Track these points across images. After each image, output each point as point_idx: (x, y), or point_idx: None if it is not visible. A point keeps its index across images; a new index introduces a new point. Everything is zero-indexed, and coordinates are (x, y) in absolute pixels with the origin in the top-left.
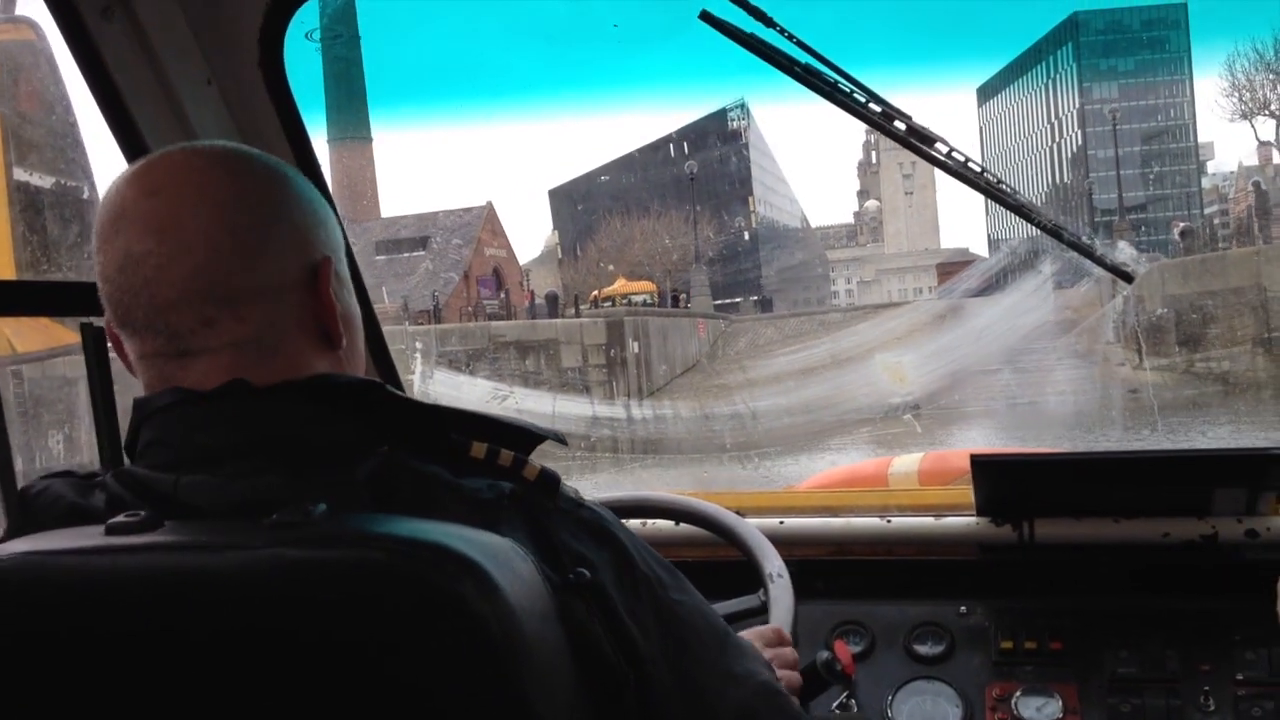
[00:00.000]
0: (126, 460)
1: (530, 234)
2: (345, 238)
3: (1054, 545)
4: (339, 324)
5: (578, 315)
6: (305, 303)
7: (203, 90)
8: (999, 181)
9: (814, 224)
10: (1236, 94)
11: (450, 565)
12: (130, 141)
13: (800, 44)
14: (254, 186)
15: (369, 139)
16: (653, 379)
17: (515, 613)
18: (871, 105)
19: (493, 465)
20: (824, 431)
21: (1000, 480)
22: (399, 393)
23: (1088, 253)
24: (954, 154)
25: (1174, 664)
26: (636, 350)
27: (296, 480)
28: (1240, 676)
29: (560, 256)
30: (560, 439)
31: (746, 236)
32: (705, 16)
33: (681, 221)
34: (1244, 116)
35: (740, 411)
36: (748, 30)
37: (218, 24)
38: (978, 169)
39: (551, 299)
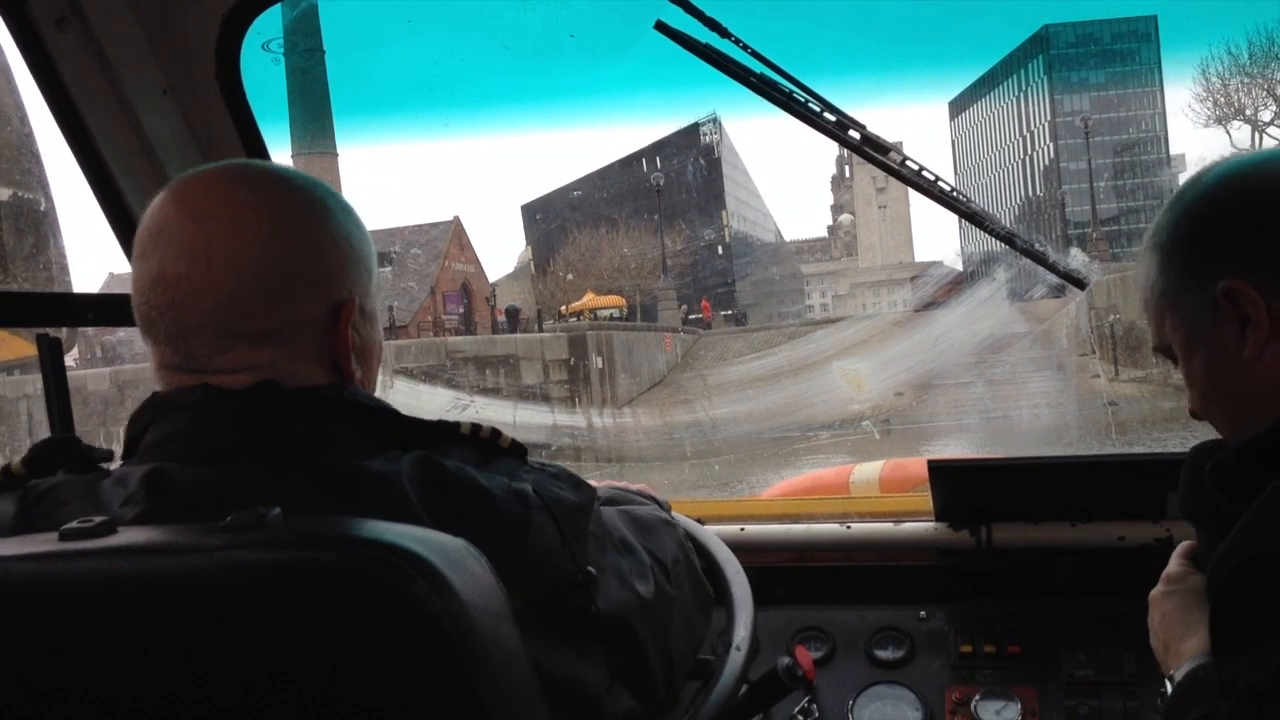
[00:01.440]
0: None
1: (504, 250)
2: (376, 269)
3: (1011, 549)
4: (350, 360)
5: (540, 330)
6: (323, 339)
7: (158, 100)
8: (953, 190)
9: (788, 238)
10: (1211, 99)
11: (403, 564)
12: (86, 152)
13: (755, 54)
14: (292, 226)
15: (334, 153)
16: (617, 395)
17: (469, 611)
18: (826, 115)
19: (476, 439)
20: (783, 439)
21: (957, 486)
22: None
23: (1040, 259)
24: (908, 163)
25: (1131, 666)
26: (600, 365)
27: (336, 476)
28: None
29: (533, 272)
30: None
31: (720, 250)
32: (660, 27)
33: (652, 235)
34: (1218, 122)
35: (700, 419)
36: (703, 40)
37: (173, 34)
38: (931, 177)
39: (512, 313)
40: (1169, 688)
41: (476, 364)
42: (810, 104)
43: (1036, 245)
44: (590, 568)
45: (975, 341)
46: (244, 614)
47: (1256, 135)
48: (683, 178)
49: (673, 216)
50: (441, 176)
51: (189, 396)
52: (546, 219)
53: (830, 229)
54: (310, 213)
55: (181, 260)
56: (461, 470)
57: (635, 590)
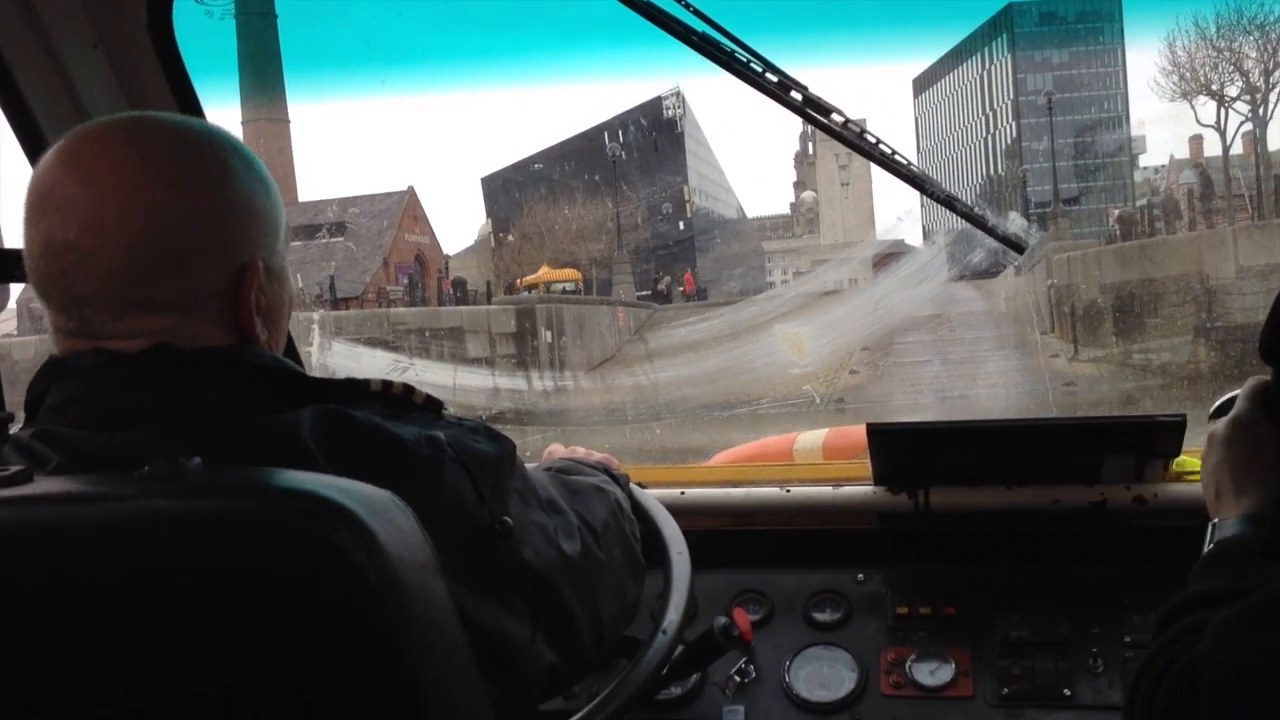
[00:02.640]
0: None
1: (465, 223)
2: (284, 221)
3: (949, 513)
4: (255, 325)
5: (489, 302)
6: (225, 303)
7: (89, 53)
8: (893, 153)
9: (750, 214)
10: (1177, 72)
11: (326, 515)
12: (13, 106)
13: (697, 13)
14: (188, 191)
15: (286, 120)
16: (568, 370)
17: (393, 563)
18: (769, 75)
19: (389, 395)
20: (724, 403)
21: (896, 449)
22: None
23: (980, 223)
24: (849, 125)
25: (1064, 628)
26: (549, 340)
27: (233, 435)
28: (1128, 639)
29: (493, 245)
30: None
31: (681, 226)
32: None
33: (616, 208)
34: (1184, 96)
35: (641, 383)
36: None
37: None
38: (873, 139)
39: (459, 285)
40: (1209, 535)
41: (420, 336)
42: (752, 64)
43: (976, 210)
44: (507, 518)
45: (914, 307)
46: (162, 564)
47: (1222, 111)
48: (644, 151)
49: (632, 190)
50: (400, 147)
51: (84, 361)
52: (507, 191)
53: (793, 206)
54: (208, 174)
55: (71, 227)
56: (369, 418)
57: (560, 548)
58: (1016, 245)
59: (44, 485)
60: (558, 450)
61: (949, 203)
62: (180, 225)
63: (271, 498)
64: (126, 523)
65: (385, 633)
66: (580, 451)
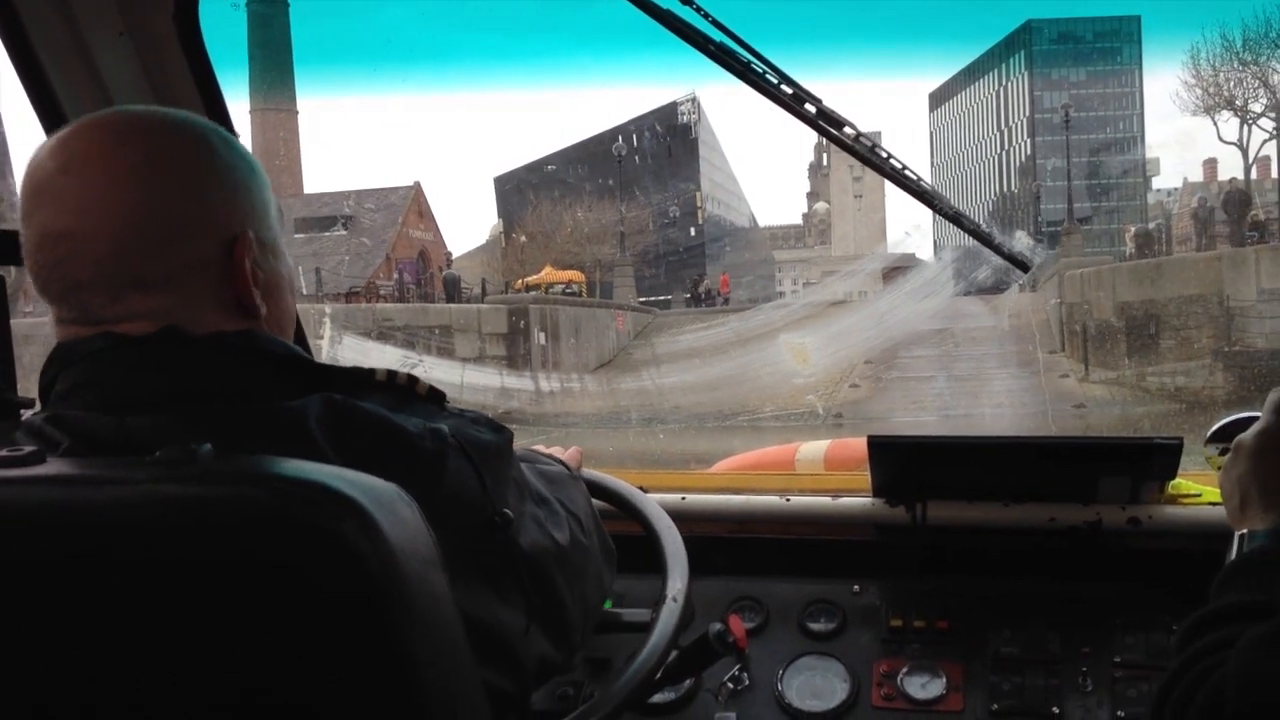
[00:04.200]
0: (38, 405)
1: (478, 222)
2: (273, 199)
3: (945, 527)
4: (254, 296)
5: (483, 300)
6: (222, 277)
7: (115, 41)
8: (904, 168)
9: (762, 223)
10: (1200, 86)
11: (331, 505)
12: (40, 93)
13: (715, 23)
14: (171, 165)
15: (294, 110)
16: (560, 374)
17: (396, 555)
18: (783, 87)
19: (393, 385)
20: (722, 412)
21: (895, 462)
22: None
23: (986, 240)
24: (861, 139)
25: (1055, 645)
26: (543, 342)
27: (242, 421)
28: (1118, 659)
29: (504, 245)
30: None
31: (692, 232)
32: None
33: (625, 212)
34: (1206, 111)
35: (646, 387)
36: (664, 6)
37: None
38: (884, 154)
39: (451, 282)
40: (1236, 546)
41: (406, 333)
42: (768, 75)
43: (983, 228)
44: (507, 510)
45: (919, 321)
46: (170, 548)
47: (1245, 128)
48: (657, 156)
49: (644, 194)
50: (412, 143)
51: (91, 345)
52: (520, 192)
53: (805, 216)
54: (190, 152)
55: (63, 217)
56: (375, 410)
57: (553, 538)
58: (1022, 264)
59: (56, 467)
60: (518, 449)
61: (956, 219)
62: (165, 201)
63: (280, 487)
64: (137, 506)
65: (386, 624)
66: (540, 449)
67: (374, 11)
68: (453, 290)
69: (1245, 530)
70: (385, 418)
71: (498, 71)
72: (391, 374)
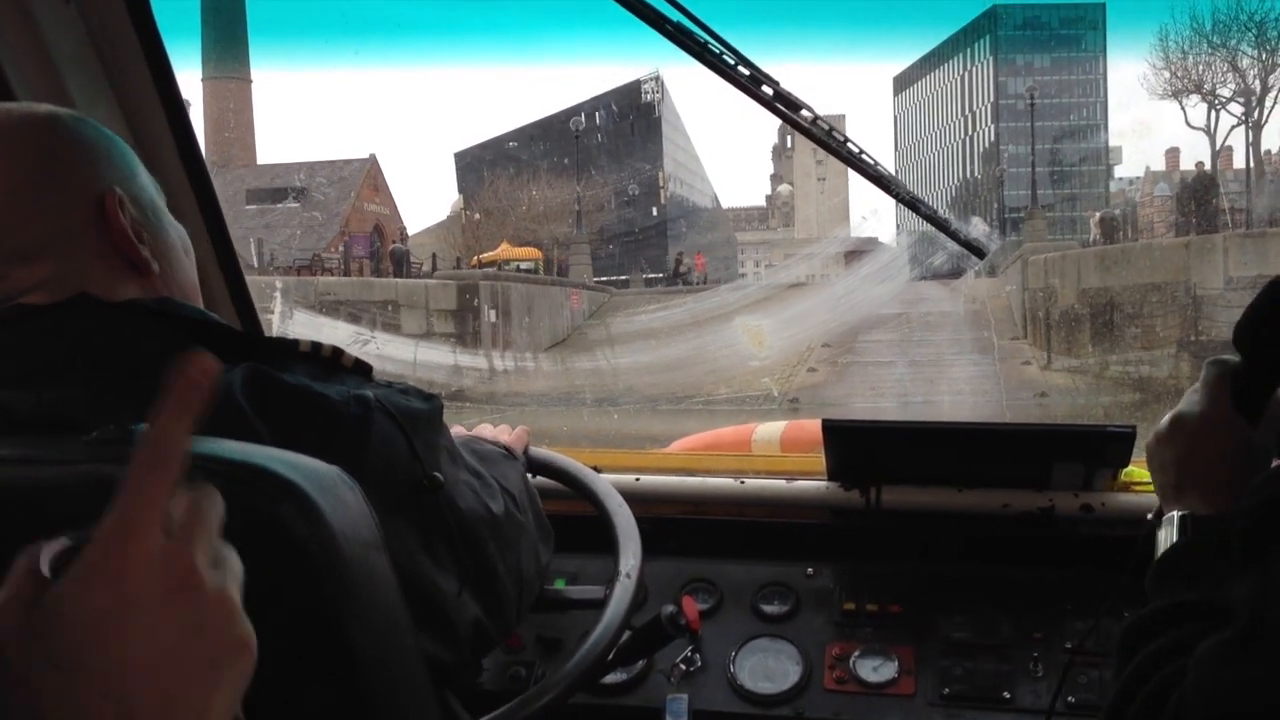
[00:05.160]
0: None
1: (439, 198)
2: (141, 168)
3: (899, 511)
4: (139, 250)
5: (433, 275)
6: (102, 237)
7: (59, 9)
8: (860, 152)
9: (725, 205)
10: (1169, 69)
11: (270, 488)
12: None
13: (672, 2)
14: (17, 140)
15: (248, 79)
16: (514, 353)
17: (335, 537)
18: (740, 68)
19: (318, 357)
20: (682, 392)
21: (850, 446)
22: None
23: (942, 226)
24: (819, 122)
25: (1007, 630)
26: (493, 319)
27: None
28: (1069, 644)
29: (464, 221)
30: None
31: (654, 212)
32: None
33: (583, 190)
34: (1174, 96)
35: (600, 367)
36: None
37: None
38: (841, 138)
39: (398, 256)
40: (1162, 534)
41: (350, 309)
42: (725, 56)
43: (939, 213)
44: (438, 474)
45: (877, 305)
46: None
47: (1213, 113)
48: (619, 135)
49: (603, 173)
50: (371, 117)
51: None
52: (480, 168)
53: (769, 199)
54: (34, 126)
55: None
56: (297, 380)
57: (486, 506)
58: (978, 250)
59: None
60: (459, 431)
61: (913, 204)
62: (25, 169)
63: (218, 469)
64: (72, 487)
65: (325, 608)
66: (487, 430)
67: None
68: (401, 265)
69: (1182, 513)
70: (307, 387)
71: (459, 47)
72: (316, 345)
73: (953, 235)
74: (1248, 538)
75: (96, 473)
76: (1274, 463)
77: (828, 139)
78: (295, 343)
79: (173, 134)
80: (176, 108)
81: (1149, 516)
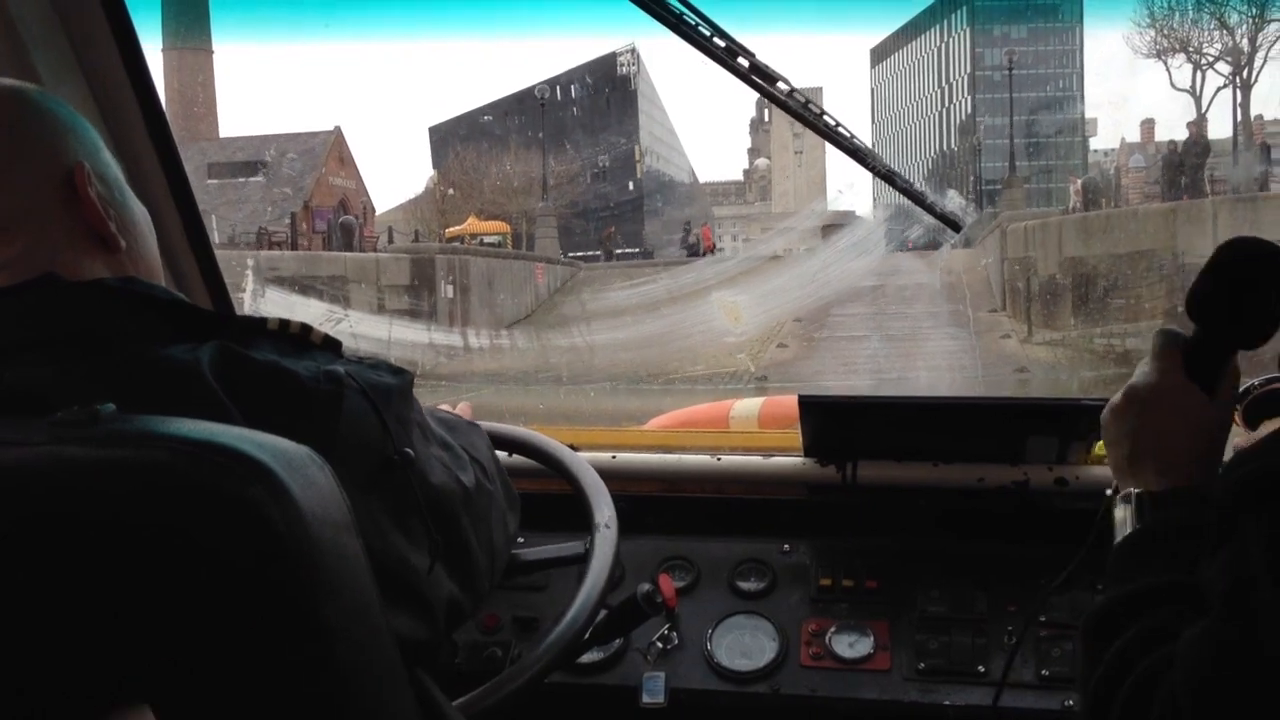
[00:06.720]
0: None
1: (414, 173)
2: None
3: (875, 487)
4: (108, 226)
5: (389, 247)
6: (71, 213)
7: None
8: (837, 124)
9: (702, 179)
10: (1154, 26)
11: (239, 468)
12: None
13: None
14: None
15: (209, 49)
16: (474, 330)
17: (305, 518)
18: (716, 40)
19: (286, 334)
20: (660, 369)
21: (825, 421)
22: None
23: (918, 200)
24: (795, 94)
25: (982, 604)
26: (450, 295)
27: (135, 372)
28: (1044, 618)
29: (438, 198)
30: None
31: (630, 186)
32: None
33: (559, 164)
34: (1158, 55)
35: (577, 344)
36: None
37: None
38: (817, 110)
39: (347, 228)
40: (1119, 512)
41: (297, 284)
42: (700, 27)
43: (915, 187)
44: (409, 450)
45: (852, 279)
46: (71, 511)
47: (1199, 74)
48: (595, 108)
49: (578, 146)
50: (341, 91)
51: None
52: (454, 142)
53: (746, 173)
54: (3, 102)
55: None
56: (266, 357)
57: (458, 479)
58: (954, 223)
59: None
60: None
61: (889, 178)
62: None
63: (185, 449)
64: (37, 468)
65: (295, 590)
66: (442, 407)
67: None
68: (349, 237)
69: (1139, 490)
70: (276, 363)
71: (433, 20)
72: (284, 322)
73: (928, 209)
74: (1222, 521)
75: (60, 454)
76: (1232, 433)
77: (804, 111)
78: (263, 320)
79: (141, 111)
80: (145, 85)
81: (1107, 493)
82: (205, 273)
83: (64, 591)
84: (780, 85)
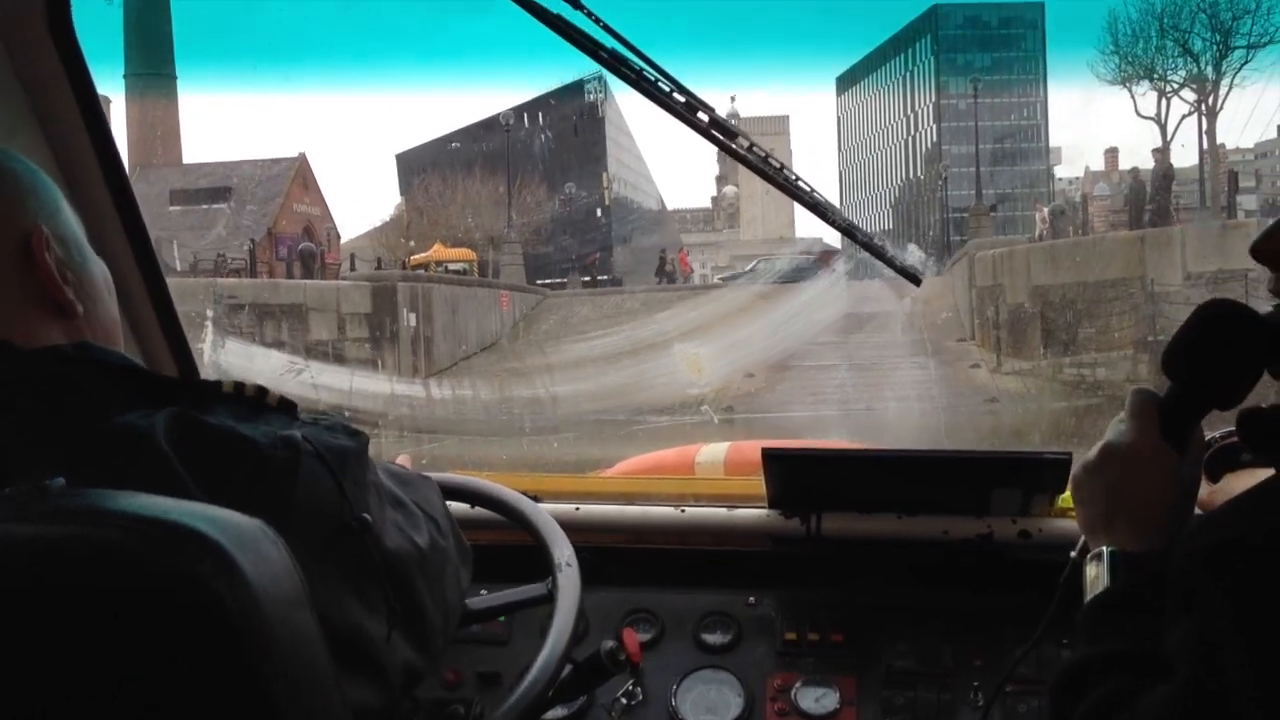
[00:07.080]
0: None
1: (381, 200)
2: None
3: (840, 539)
4: (65, 292)
5: (350, 275)
6: (27, 277)
7: None
8: (797, 179)
9: (671, 207)
10: (1119, 53)
11: (187, 545)
12: None
13: (605, 27)
14: None
15: (172, 76)
16: (434, 360)
17: (256, 594)
18: (676, 95)
19: (241, 397)
20: (623, 420)
21: (790, 474)
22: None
23: (878, 253)
24: (754, 149)
25: (948, 658)
26: (413, 323)
27: (88, 442)
28: (1009, 674)
29: (406, 224)
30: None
31: (599, 214)
32: None
33: (527, 191)
34: (1123, 83)
35: (540, 395)
36: (554, 11)
37: None
38: (777, 165)
39: (306, 255)
40: (1091, 570)
41: (254, 312)
42: (660, 83)
43: (875, 240)
44: (366, 515)
45: (814, 331)
46: (16, 589)
47: (1164, 101)
48: (563, 135)
49: (549, 174)
50: (307, 119)
51: None
52: (421, 169)
53: (714, 200)
54: None
55: None
56: (221, 423)
57: (414, 541)
58: (913, 277)
59: None
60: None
61: (849, 231)
62: None
63: (134, 526)
64: None
65: (244, 668)
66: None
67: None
68: (309, 264)
69: (1111, 548)
70: (231, 429)
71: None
72: (239, 385)
73: (888, 262)
74: (1178, 591)
75: (7, 533)
76: (1199, 500)
77: (764, 166)
78: (218, 384)
79: (99, 163)
80: (103, 136)
81: (1073, 554)
82: (164, 325)
83: (9, 668)
84: (740, 140)
